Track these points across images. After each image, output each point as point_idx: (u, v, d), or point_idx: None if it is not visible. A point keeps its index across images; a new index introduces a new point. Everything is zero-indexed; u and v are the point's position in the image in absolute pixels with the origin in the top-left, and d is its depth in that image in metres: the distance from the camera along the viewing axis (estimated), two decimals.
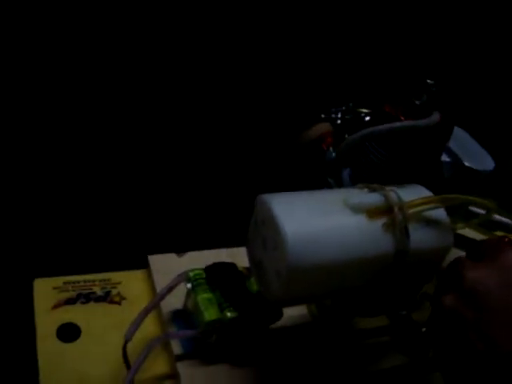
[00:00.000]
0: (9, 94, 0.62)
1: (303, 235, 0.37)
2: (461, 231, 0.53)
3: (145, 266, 0.52)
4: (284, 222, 0.37)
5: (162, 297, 0.45)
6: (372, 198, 0.41)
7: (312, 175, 0.54)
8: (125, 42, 0.72)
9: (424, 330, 0.50)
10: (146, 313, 0.43)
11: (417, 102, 0.45)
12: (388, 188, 0.42)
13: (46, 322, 0.47)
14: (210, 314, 0.44)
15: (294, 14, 0.86)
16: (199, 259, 0.50)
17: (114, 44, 0.72)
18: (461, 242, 0.53)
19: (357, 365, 0.49)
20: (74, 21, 0.72)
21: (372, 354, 0.50)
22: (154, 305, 0.45)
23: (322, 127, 0.54)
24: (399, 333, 0.51)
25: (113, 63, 0.71)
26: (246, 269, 0.47)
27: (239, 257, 0.49)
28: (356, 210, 0.40)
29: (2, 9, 0.70)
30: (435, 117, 0.44)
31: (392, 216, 0.40)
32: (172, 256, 0.52)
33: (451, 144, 0.50)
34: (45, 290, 0.49)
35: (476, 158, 0.51)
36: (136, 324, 0.43)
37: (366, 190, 0.42)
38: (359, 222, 0.39)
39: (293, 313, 0.49)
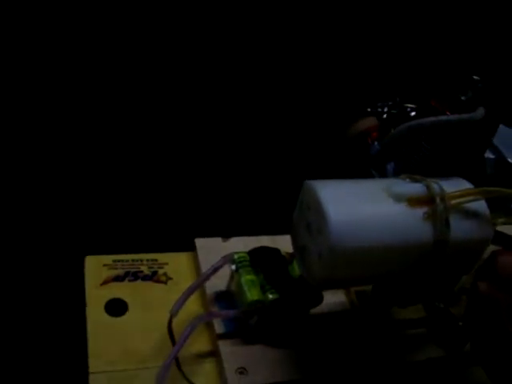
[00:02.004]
0: (9, 94, 0.64)
1: (346, 219, 0.38)
2: (501, 228, 0.54)
3: (191, 248, 0.53)
4: (328, 206, 0.38)
5: (208, 276, 0.47)
6: (414, 188, 0.42)
7: (357, 168, 0.55)
8: (125, 42, 0.74)
9: (461, 323, 0.51)
10: (191, 290, 0.45)
11: (462, 98, 0.46)
12: (430, 179, 0.43)
13: (96, 296, 0.49)
14: (252, 294, 0.46)
15: (339, 6, 0.87)
16: (243, 244, 0.52)
17: (114, 44, 0.73)
18: (500, 239, 0.53)
19: (392, 354, 0.50)
20: (74, 21, 0.74)
21: (408, 345, 0.51)
22: (200, 283, 0.46)
23: (368, 121, 0.55)
24: (436, 325, 0.52)
25: (113, 61, 0.72)
26: (289, 254, 0.49)
27: (280, 244, 0.51)
28: (398, 198, 0.41)
29: (1, 9, 0.72)
30: (480, 112, 0.45)
31: (433, 206, 0.41)
32: (217, 240, 0.54)
33: (495, 141, 0.50)
34: (95, 267, 0.51)
35: None
36: (182, 300, 0.44)
37: (408, 180, 0.43)
38: (401, 209, 0.41)
39: (332, 300, 0.51)
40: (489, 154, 0.51)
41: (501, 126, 0.52)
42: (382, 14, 0.89)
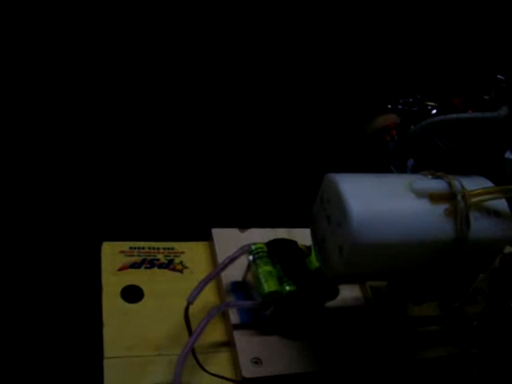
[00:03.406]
0: (8, 93, 0.65)
1: (367, 213, 0.39)
2: None
3: (208, 238, 0.54)
4: (350, 199, 0.39)
5: (225, 266, 0.47)
6: (436, 184, 0.42)
7: (376, 164, 0.55)
8: (125, 41, 0.74)
9: (476, 323, 0.51)
10: (209, 279, 0.45)
11: (486, 97, 0.46)
12: (452, 176, 0.43)
13: (112, 283, 0.49)
14: (269, 285, 0.46)
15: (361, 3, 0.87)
16: (259, 235, 0.52)
17: (114, 44, 0.73)
18: None
19: (404, 351, 0.50)
20: (74, 21, 0.74)
21: (421, 342, 0.51)
22: (217, 272, 0.47)
23: (388, 118, 0.55)
24: (450, 324, 0.52)
25: (113, 59, 0.72)
26: (306, 247, 0.49)
27: (297, 237, 0.51)
28: (419, 194, 0.41)
29: (1, 9, 0.72)
30: (504, 111, 0.45)
31: (454, 202, 0.41)
32: (234, 231, 0.54)
33: None
34: (112, 253, 0.51)
35: None
36: (199, 288, 0.45)
37: (430, 176, 0.43)
38: (422, 205, 0.41)
39: (348, 295, 0.51)
40: (509, 155, 0.51)
41: None
42: (407, 10, 0.89)
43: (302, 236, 0.51)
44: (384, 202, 0.40)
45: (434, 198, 0.41)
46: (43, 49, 0.71)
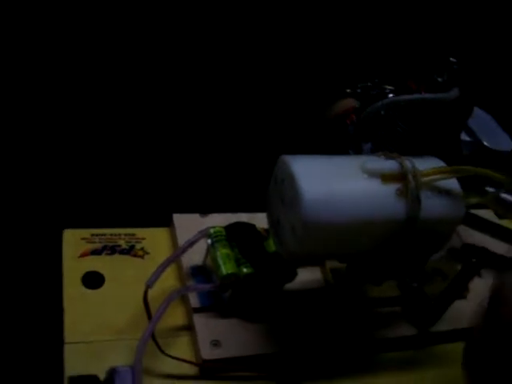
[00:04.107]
0: (8, 93, 0.65)
1: (319, 194, 0.39)
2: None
3: (169, 224, 0.54)
4: (302, 180, 0.39)
5: (184, 250, 0.47)
6: (387, 165, 0.43)
7: (335, 149, 0.55)
8: (125, 41, 0.74)
9: (433, 302, 0.52)
10: (167, 263, 0.46)
11: (439, 79, 0.47)
12: (404, 157, 0.44)
13: (73, 269, 0.49)
14: (227, 268, 0.46)
15: None
16: (221, 220, 0.52)
17: (114, 43, 0.74)
18: (473, 221, 0.54)
19: (365, 331, 0.50)
20: (74, 21, 0.74)
21: (381, 323, 0.52)
22: (176, 256, 0.47)
23: (348, 102, 0.55)
24: (410, 304, 0.53)
25: (113, 58, 0.73)
26: (265, 230, 0.49)
27: (258, 221, 0.51)
28: (371, 174, 0.41)
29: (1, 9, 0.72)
30: (455, 92, 0.45)
31: (405, 182, 0.42)
32: (195, 216, 0.54)
33: (471, 123, 0.51)
34: (73, 240, 0.51)
35: (495, 138, 0.52)
36: (158, 272, 0.45)
37: (383, 157, 0.44)
38: (373, 185, 0.41)
39: (307, 277, 0.51)
40: (465, 137, 0.51)
41: (478, 110, 0.52)
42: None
43: (264, 221, 0.51)
44: (336, 183, 0.41)
45: (385, 178, 0.42)
46: (43, 49, 0.71)
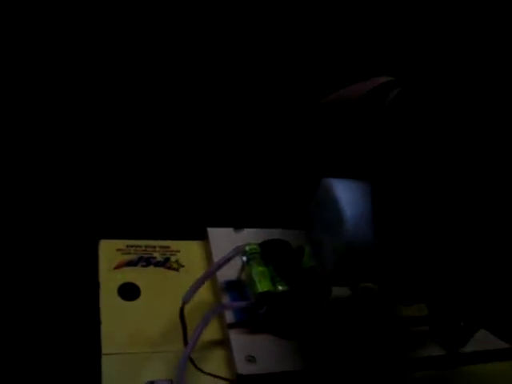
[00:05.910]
0: (8, 92, 0.65)
1: (361, 218, 0.40)
2: None
3: (203, 237, 0.55)
4: (344, 204, 0.40)
5: (220, 266, 0.48)
6: None
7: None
8: (125, 41, 0.75)
9: (462, 324, 0.52)
10: (204, 279, 0.47)
11: None
12: None
13: (109, 280, 0.50)
14: (262, 285, 0.47)
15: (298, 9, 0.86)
16: (254, 236, 0.53)
17: (114, 43, 0.74)
18: None
19: (394, 350, 0.51)
20: (74, 21, 0.74)
21: (409, 342, 0.52)
22: (212, 272, 0.48)
23: None
24: (438, 325, 0.53)
25: (113, 58, 0.73)
26: (299, 247, 0.50)
27: (291, 238, 0.52)
28: None
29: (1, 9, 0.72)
30: None
31: None
32: (229, 230, 0.55)
33: None
34: (109, 251, 0.52)
35: None
36: (194, 288, 0.46)
37: None
38: None
39: (340, 295, 0.52)
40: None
41: None
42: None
43: (295, 237, 0.52)
44: None
45: None
46: (43, 49, 0.71)
